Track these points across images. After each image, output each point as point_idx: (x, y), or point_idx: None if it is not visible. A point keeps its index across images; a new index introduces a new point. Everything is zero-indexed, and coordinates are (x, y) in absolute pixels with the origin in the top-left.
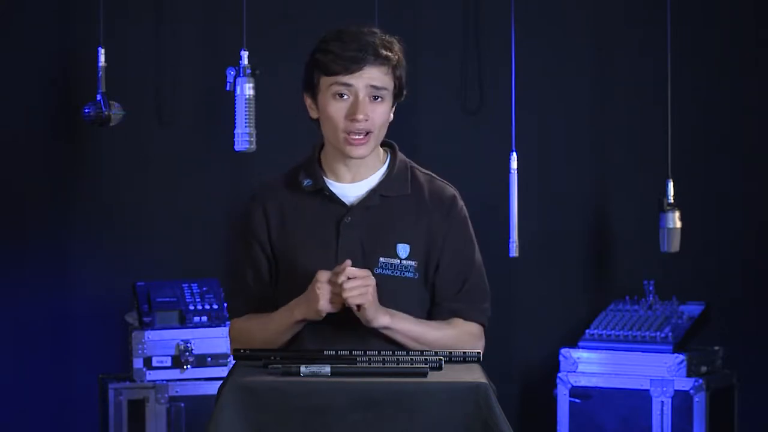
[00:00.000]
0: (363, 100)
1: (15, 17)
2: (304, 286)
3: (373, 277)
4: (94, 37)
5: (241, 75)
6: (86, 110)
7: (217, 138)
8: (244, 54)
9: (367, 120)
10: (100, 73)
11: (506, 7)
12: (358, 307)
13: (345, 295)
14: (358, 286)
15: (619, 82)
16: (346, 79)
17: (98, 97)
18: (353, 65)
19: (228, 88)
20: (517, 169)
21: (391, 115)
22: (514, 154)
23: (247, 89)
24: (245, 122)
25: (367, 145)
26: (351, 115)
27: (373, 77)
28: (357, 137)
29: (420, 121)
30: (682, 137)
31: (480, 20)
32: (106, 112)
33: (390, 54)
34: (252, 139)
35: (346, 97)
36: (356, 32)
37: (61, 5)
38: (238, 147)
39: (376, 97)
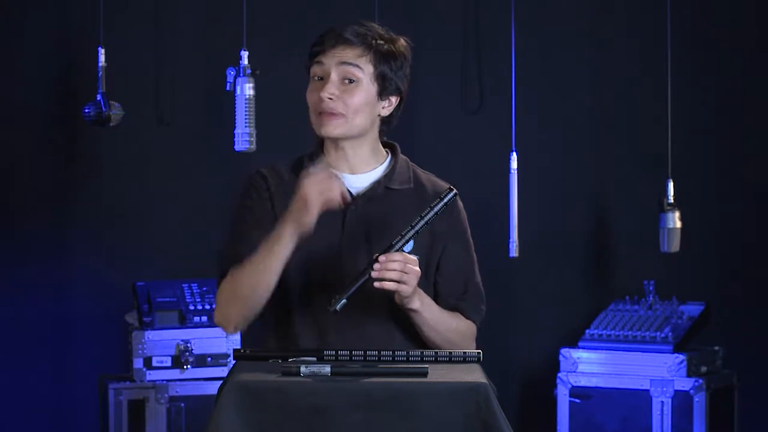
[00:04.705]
0: (333, 80)
1: (15, 17)
2: (302, 270)
3: (417, 266)
4: (94, 37)
5: (241, 75)
6: (86, 110)
7: (217, 138)
8: (244, 54)
9: (332, 99)
10: (100, 73)
11: (506, 7)
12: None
13: (383, 274)
14: (400, 270)
15: (619, 81)
16: (319, 57)
17: (98, 97)
18: (327, 43)
19: (228, 88)
20: (517, 169)
21: (384, 110)
22: (514, 154)
23: (247, 89)
24: (245, 122)
25: (338, 124)
26: (319, 93)
27: (344, 55)
28: (327, 114)
29: (420, 121)
30: (682, 137)
31: (480, 20)
32: (106, 112)
33: (368, 37)
34: (252, 139)
35: (321, 79)
36: (351, 22)
37: (61, 5)
38: (238, 147)
39: (350, 81)
